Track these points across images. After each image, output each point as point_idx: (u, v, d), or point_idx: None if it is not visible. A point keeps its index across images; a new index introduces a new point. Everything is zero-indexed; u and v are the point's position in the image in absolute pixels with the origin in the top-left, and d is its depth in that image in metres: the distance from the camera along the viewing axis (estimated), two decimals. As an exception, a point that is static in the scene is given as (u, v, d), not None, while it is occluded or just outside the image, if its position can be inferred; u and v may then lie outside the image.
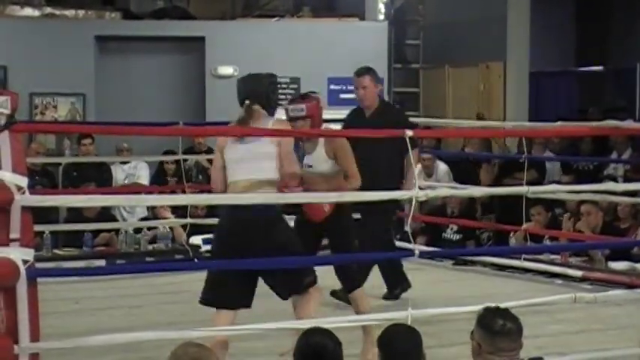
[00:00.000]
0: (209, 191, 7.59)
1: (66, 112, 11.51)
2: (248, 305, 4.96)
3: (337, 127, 7.09)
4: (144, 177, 10.21)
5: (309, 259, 5.20)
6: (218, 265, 5.02)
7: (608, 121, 7.39)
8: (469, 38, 12.53)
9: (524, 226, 8.31)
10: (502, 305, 3.71)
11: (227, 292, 4.88)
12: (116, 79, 11.78)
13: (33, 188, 4.99)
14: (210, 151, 9.68)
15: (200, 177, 10.07)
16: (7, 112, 4.21)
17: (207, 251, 8.05)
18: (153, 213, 9.55)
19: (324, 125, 5.74)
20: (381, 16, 13.10)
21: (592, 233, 8.14)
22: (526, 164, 8.44)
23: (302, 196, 5.24)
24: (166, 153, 9.93)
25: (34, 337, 4.18)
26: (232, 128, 5.39)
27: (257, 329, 4.90)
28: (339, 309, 6.14)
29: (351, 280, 5.63)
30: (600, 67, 13.04)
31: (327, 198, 5.23)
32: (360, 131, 6.42)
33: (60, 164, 10.18)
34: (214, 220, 9.31)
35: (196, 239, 8.85)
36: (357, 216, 6.25)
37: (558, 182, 9.55)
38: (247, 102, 5.07)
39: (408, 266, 8.22)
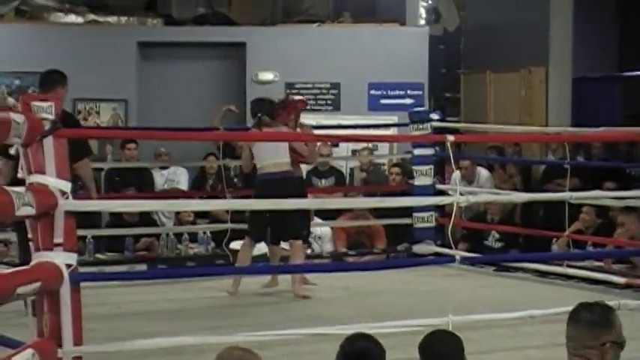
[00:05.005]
0: (249, 196, 7.68)
1: (108, 118, 11.62)
2: None
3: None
4: (183, 182, 10.27)
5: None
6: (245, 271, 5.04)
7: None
8: (511, 43, 12.43)
9: (567, 231, 8.24)
10: (544, 312, 3.67)
11: None
12: (158, 84, 11.86)
13: (76, 193, 5.03)
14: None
15: (235, 180, 9.99)
16: (52, 117, 4.25)
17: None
18: (178, 219, 9.60)
19: None
20: (422, 21, 13.08)
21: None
22: (569, 170, 8.36)
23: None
24: (209, 155, 9.96)
25: (77, 340, 4.22)
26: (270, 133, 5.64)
27: (297, 334, 4.91)
28: (380, 316, 6.12)
29: None
30: (644, 72, 12.88)
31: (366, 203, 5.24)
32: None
33: (102, 169, 10.26)
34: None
35: (237, 244, 8.86)
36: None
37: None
38: None
39: (449, 272, 8.20)
